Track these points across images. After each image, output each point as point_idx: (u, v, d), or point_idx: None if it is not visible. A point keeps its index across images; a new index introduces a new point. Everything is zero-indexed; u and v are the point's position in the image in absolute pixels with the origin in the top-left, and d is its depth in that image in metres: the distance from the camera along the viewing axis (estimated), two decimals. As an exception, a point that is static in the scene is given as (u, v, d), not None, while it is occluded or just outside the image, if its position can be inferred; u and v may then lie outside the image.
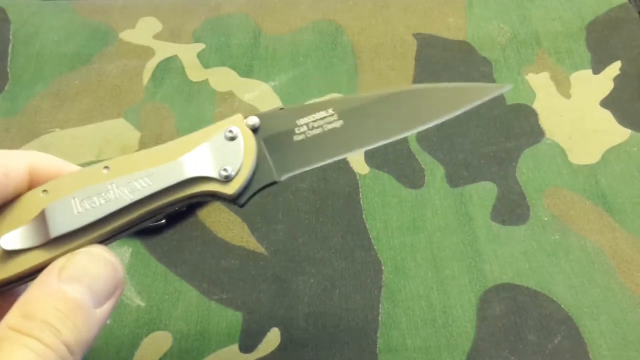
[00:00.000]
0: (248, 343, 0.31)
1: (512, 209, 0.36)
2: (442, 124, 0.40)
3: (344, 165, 0.38)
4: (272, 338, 0.31)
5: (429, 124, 0.25)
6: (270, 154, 0.24)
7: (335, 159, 0.24)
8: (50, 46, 0.45)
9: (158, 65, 0.44)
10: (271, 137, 0.24)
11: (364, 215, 0.36)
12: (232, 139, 0.23)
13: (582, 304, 0.32)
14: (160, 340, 0.31)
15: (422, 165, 0.38)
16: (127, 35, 0.46)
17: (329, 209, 0.36)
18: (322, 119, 0.25)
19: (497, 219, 0.36)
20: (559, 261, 0.34)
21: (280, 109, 0.25)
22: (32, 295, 0.21)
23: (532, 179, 0.37)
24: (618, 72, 0.43)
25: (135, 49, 0.45)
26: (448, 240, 0.35)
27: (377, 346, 0.31)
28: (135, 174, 0.22)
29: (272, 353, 0.31)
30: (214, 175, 0.23)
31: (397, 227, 0.35)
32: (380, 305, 0.32)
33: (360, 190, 0.37)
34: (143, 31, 0.46)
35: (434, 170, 0.38)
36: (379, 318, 0.32)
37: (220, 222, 0.36)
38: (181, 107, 0.41)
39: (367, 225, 0.35)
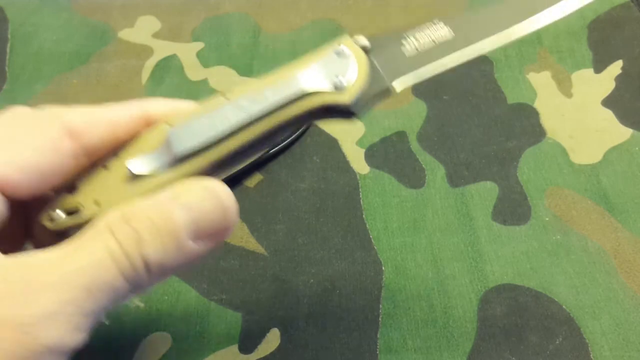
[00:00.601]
0: (248, 344, 0.31)
1: (513, 208, 0.36)
2: (443, 123, 0.40)
3: (344, 165, 0.38)
4: (272, 338, 0.31)
5: (542, 22, 0.24)
6: (383, 70, 0.24)
7: (451, 66, 0.24)
8: (48, 45, 0.45)
9: (157, 65, 0.44)
10: (382, 54, 0.24)
11: (364, 216, 0.36)
12: (342, 55, 0.23)
13: (583, 305, 0.32)
14: (159, 341, 0.31)
15: (423, 165, 0.38)
16: (126, 34, 0.46)
17: (329, 209, 0.36)
18: (432, 31, 0.25)
19: (498, 219, 0.35)
20: (561, 261, 0.34)
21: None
22: (141, 203, 0.21)
23: (534, 179, 0.37)
24: (620, 71, 0.42)
25: (134, 48, 0.45)
26: (449, 240, 0.35)
27: (378, 347, 0.31)
28: (251, 93, 0.23)
29: (272, 354, 0.31)
30: (329, 87, 0.23)
31: (397, 227, 0.35)
32: (381, 306, 0.32)
33: (360, 190, 0.37)
34: (142, 30, 0.46)
35: (435, 170, 0.38)
36: (379, 318, 0.32)
37: (219, 222, 0.35)
38: (180, 106, 0.41)
39: (367, 226, 0.35)
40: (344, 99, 0.23)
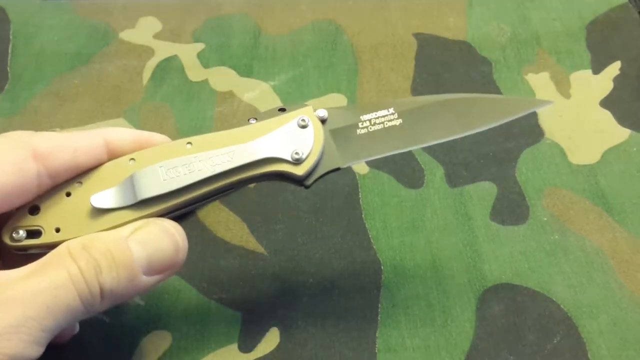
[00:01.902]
0: (247, 342, 0.31)
1: (511, 209, 0.36)
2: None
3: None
4: (272, 337, 0.31)
5: (478, 129, 0.28)
6: (335, 143, 0.27)
7: (394, 152, 0.27)
8: (50, 46, 0.45)
9: (158, 65, 0.44)
10: (337, 129, 0.27)
11: (363, 215, 0.36)
12: (304, 127, 0.26)
13: (581, 304, 0.32)
14: (159, 340, 0.31)
15: (422, 165, 0.38)
16: (127, 35, 0.46)
17: (329, 209, 0.36)
18: (383, 116, 0.27)
19: (497, 218, 0.36)
20: (559, 261, 0.34)
21: (346, 106, 0.28)
22: (100, 235, 0.23)
23: (532, 179, 0.37)
24: (618, 72, 0.43)
25: (135, 48, 0.45)
26: (447, 240, 0.35)
27: (376, 346, 0.31)
28: (217, 150, 0.25)
29: (272, 352, 0.31)
30: (287, 157, 0.26)
31: (396, 227, 0.35)
32: (380, 305, 0.32)
33: (359, 190, 0.37)
34: (143, 31, 0.46)
35: (434, 170, 0.38)
36: (378, 318, 0.32)
37: (219, 221, 0.36)
38: (181, 107, 0.41)
39: (366, 225, 0.35)
40: (299, 171, 0.26)
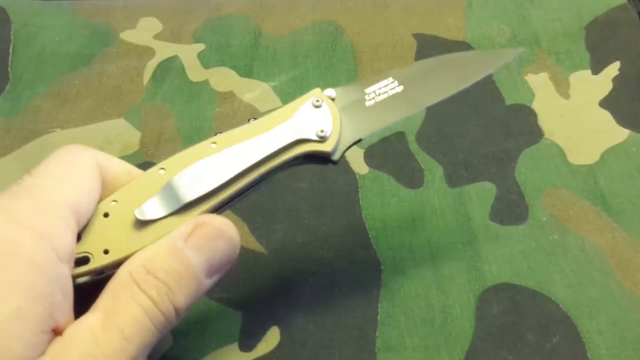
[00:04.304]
0: (248, 342, 0.31)
1: (511, 209, 0.36)
2: (442, 124, 0.40)
3: (343, 165, 0.38)
4: (272, 337, 0.31)
5: (471, 82, 0.29)
6: (348, 117, 0.28)
7: (404, 117, 0.28)
8: (51, 46, 0.45)
9: (159, 66, 0.44)
10: (347, 105, 0.28)
11: (363, 215, 0.36)
12: (318, 107, 0.27)
13: (580, 304, 0.32)
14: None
15: (422, 166, 0.38)
16: (127, 35, 0.46)
17: (329, 209, 0.36)
18: (385, 86, 0.29)
19: (496, 219, 0.36)
20: (558, 261, 0.34)
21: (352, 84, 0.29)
22: (157, 251, 0.23)
23: (531, 179, 0.37)
24: (617, 72, 0.43)
25: (136, 49, 0.45)
26: (447, 240, 0.35)
27: (376, 345, 0.31)
28: (245, 143, 0.25)
29: (272, 352, 0.31)
30: (313, 136, 0.26)
31: (396, 226, 0.35)
32: (379, 305, 0.32)
33: (359, 190, 0.37)
34: (144, 31, 0.46)
35: (433, 171, 0.38)
36: (378, 317, 0.32)
37: (220, 221, 0.36)
38: (181, 107, 0.42)
39: (366, 225, 0.36)
40: (326, 147, 0.27)
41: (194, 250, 0.23)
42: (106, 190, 0.24)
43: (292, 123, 0.26)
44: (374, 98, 0.28)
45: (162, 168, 0.25)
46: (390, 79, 0.29)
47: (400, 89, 0.29)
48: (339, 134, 0.27)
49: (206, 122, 0.41)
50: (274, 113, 0.27)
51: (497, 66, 0.31)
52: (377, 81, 0.29)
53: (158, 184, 0.24)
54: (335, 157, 0.27)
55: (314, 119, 0.27)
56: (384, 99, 0.28)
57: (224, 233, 0.24)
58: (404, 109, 0.29)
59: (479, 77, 0.30)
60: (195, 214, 0.24)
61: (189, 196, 0.24)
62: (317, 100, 0.27)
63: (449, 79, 0.30)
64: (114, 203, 0.24)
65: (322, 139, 0.27)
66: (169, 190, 0.24)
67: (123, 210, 0.24)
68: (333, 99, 0.28)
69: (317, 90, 0.28)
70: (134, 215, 0.23)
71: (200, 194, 0.24)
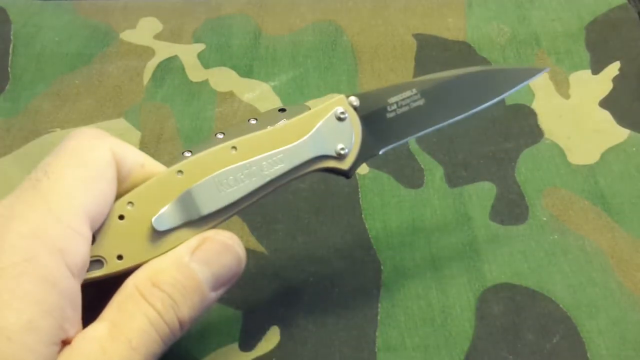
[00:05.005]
0: (248, 341, 0.31)
1: (511, 209, 0.36)
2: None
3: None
4: (272, 336, 0.31)
5: (494, 100, 0.29)
6: (367, 128, 0.27)
7: (423, 133, 0.28)
8: (51, 46, 0.45)
9: (158, 66, 0.44)
10: (368, 114, 0.27)
11: (363, 215, 0.36)
12: (342, 119, 0.26)
13: (580, 304, 0.32)
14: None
15: (422, 166, 0.38)
16: (127, 35, 0.46)
17: (329, 209, 0.36)
18: (408, 97, 0.28)
19: (496, 219, 0.36)
20: (558, 261, 0.34)
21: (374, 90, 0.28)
22: (163, 264, 0.23)
23: (531, 179, 0.37)
24: (617, 72, 0.43)
25: (136, 49, 0.45)
26: (447, 240, 0.35)
27: (376, 345, 0.31)
28: (266, 155, 0.25)
29: (272, 351, 0.31)
30: (332, 153, 0.26)
31: (396, 227, 0.35)
32: (379, 304, 0.32)
33: (359, 190, 0.37)
34: (144, 31, 0.46)
35: (433, 171, 0.38)
36: (378, 317, 0.32)
37: (220, 221, 0.36)
38: (181, 107, 0.42)
39: (366, 225, 0.36)
40: (344, 166, 0.27)
41: (199, 264, 0.23)
42: (121, 184, 0.24)
43: (314, 137, 0.26)
44: (395, 110, 0.28)
45: (180, 171, 0.24)
46: (414, 91, 0.28)
47: (421, 102, 0.28)
48: (357, 152, 0.27)
49: (206, 122, 0.41)
50: (296, 121, 0.26)
51: (519, 86, 0.30)
52: (401, 91, 0.28)
53: (176, 188, 0.24)
54: (350, 173, 0.27)
55: (336, 133, 0.26)
56: (405, 112, 0.28)
57: (229, 247, 0.24)
58: (422, 124, 0.28)
59: (499, 96, 0.29)
60: (212, 225, 0.24)
61: (207, 209, 0.24)
62: (342, 113, 0.26)
63: (470, 95, 0.29)
64: (129, 206, 0.23)
65: (340, 157, 0.26)
66: (188, 200, 0.24)
67: (139, 216, 0.23)
68: (356, 108, 0.27)
69: (342, 97, 0.27)
70: (150, 222, 0.23)
71: (221, 207, 0.24)
